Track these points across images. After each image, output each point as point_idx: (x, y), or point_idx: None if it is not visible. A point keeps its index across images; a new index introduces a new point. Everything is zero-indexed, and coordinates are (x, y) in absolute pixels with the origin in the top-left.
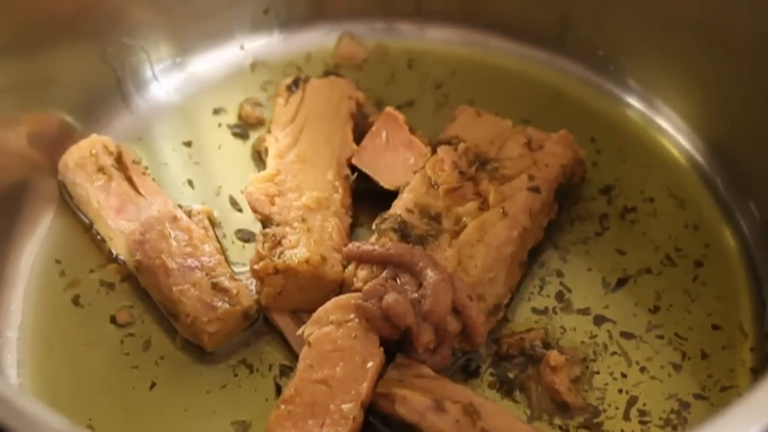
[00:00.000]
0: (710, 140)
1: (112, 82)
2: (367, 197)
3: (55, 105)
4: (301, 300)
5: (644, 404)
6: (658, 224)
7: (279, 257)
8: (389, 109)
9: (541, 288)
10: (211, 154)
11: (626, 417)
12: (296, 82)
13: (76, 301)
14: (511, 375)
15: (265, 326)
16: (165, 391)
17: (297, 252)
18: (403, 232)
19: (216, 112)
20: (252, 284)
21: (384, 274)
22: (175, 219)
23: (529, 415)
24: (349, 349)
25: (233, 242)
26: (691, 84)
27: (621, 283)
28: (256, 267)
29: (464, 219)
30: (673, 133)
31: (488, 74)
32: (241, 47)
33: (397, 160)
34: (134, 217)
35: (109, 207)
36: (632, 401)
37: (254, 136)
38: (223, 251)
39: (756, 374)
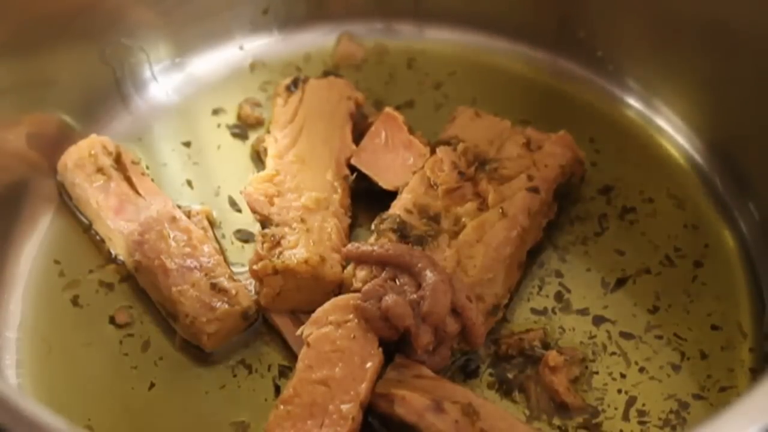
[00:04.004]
0: (709, 140)
1: (112, 83)
2: (366, 197)
3: (54, 105)
4: (300, 300)
5: (643, 404)
6: (657, 224)
7: (278, 258)
8: (388, 109)
9: (540, 288)
10: (210, 155)
11: (625, 417)
12: (295, 83)
13: (75, 301)
14: (510, 375)
15: (264, 327)
16: (164, 392)
17: (296, 252)
18: (402, 232)
19: (215, 112)
20: (251, 285)
21: (383, 274)
22: (174, 219)
23: (528, 415)
24: (348, 350)
25: (232, 243)
26: (690, 84)
27: (620, 283)
28: (255, 267)
29: (463, 219)
30: (672, 133)
31: (488, 74)
32: (241, 47)
33: (396, 161)
34: (133, 218)
35: (108, 207)
36: (631, 401)
37: (253, 136)
38: (222, 252)
39: (755, 374)
